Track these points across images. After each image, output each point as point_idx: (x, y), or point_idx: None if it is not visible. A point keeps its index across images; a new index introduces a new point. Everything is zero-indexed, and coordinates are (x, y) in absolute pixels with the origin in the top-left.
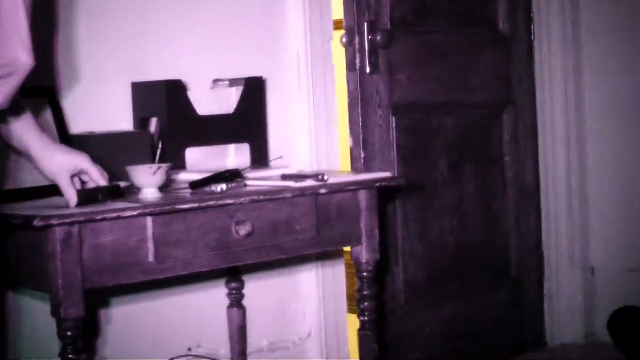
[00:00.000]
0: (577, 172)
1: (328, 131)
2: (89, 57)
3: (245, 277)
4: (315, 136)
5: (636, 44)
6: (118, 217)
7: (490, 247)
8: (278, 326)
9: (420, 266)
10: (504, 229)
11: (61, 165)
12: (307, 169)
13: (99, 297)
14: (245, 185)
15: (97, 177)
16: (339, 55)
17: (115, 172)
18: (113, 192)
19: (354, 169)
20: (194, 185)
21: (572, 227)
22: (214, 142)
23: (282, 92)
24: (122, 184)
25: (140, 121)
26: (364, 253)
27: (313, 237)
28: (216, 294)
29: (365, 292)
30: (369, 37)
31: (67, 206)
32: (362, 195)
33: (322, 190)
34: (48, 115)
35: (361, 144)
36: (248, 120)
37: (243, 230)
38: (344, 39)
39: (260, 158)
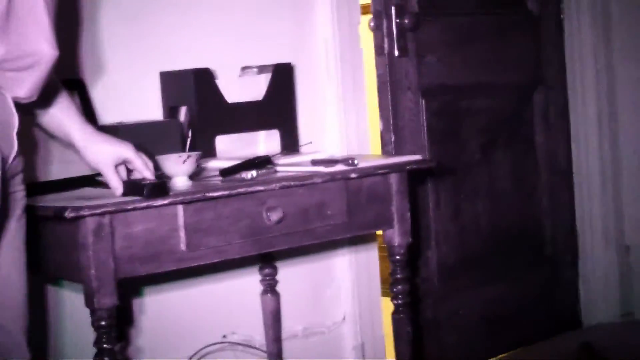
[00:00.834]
0: (609, 151)
1: (358, 116)
2: (117, 48)
3: (278, 264)
4: (345, 121)
5: None
6: (149, 207)
7: (524, 228)
8: (312, 311)
9: (454, 249)
10: (537, 209)
11: (105, 155)
12: (337, 153)
13: (132, 286)
14: (276, 171)
15: (141, 167)
16: (367, 40)
17: None
18: (159, 189)
19: (385, 152)
20: (225, 172)
21: (606, 206)
22: (244, 129)
23: (311, 77)
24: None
25: (170, 110)
26: (396, 237)
27: (344, 221)
28: (250, 281)
29: (398, 276)
30: (397, 20)
31: (104, 196)
32: (393, 178)
33: (353, 175)
34: (77, 106)
35: (391, 128)
36: (277, 107)
37: (274, 216)
38: (371, 24)
39: (290, 144)
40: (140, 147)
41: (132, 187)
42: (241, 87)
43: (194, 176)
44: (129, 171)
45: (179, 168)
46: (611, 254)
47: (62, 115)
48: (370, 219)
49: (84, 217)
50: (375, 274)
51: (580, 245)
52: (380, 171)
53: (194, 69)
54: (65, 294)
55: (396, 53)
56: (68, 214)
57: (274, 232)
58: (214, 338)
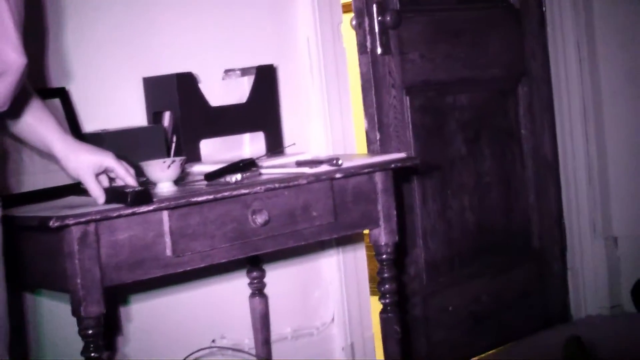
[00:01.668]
0: (595, 143)
1: (342, 115)
2: (98, 55)
3: (266, 266)
4: (329, 121)
5: None
6: (133, 214)
7: (511, 222)
8: (301, 313)
9: (441, 245)
10: (524, 203)
11: (86, 164)
12: (323, 154)
13: (119, 295)
14: (260, 174)
15: (124, 175)
16: (349, 39)
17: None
18: (142, 196)
19: (371, 151)
20: (209, 177)
21: (593, 198)
22: (228, 132)
23: (294, 78)
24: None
25: (154, 116)
26: (383, 236)
27: (331, 222)
28: (238, 285)
29: (385, 275)
30: (379, 18)
31: (88, 205)
32: (378, 177)
33: (337, 175)
34: (61, 115)
35: (376, 126)
36: (261, 109)
37: (260, 219)
38: (353, 22)
39: (275, 146)
40: (120, 156)
41: (116, 194)
42: (224, 90)
43: (179, 181)
44: (112, 180)
45: (163, 174)
46: (599, 246)
47: (40, 126)
48: (357, 219)
49: (68, 225)
50: (364, 273)
51: (568, 238)
52: (365, 170)
53: (176, 74)
54: (44, 302)
55: (379, 51)
56: (53, 223)
57: (260, 235)
58: (203, 343)
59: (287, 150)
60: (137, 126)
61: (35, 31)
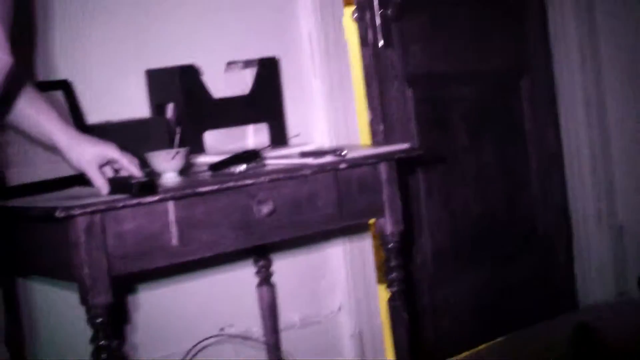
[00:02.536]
0: (598, 133)
1: (345, 107)
2: (102, 47)
3: (272, 256)
4: (333, 112)
5: None
6: (139, 204)
7: (516, 212)
8: (309, 302)
9: (447, 235)
10: (529, 193)
11: (89, 156)
12: (326, 145)
13: (126, 284)
14: (265, 164)
15: (127, 165)
16: (351, 31)
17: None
18: (147, 187)
19: (374, 142)
20: (214, 167)
21: (598, 187)
22: (232, 124)
23: (297, 70)
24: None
25: (157, 108)
26: (388, 225)
27: (335, 212)
28: (245, 274)
29: (392, 264)
30: (380, 11)
31: (94, 195)
32: (382, 168)
33: (342, 166)
34: (64, 107)
35: (380, 118)
36: (264, 101)
37: (265, 209)
38: (355, 15)
39: (279, 137)
40: (124, 147)
41: (121, 185)
42: (227, 83)
43: (184, 172)
44: (116, 172)
45: (168, 164)
46: (605, 234)
47: (41, 118)
48: (362, 209)
49: (74, 216)
50: (370, 262)
51: (574, 227)
52: (369, 161)
53: (179, 66)
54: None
55: (381, 43)
56: (59, 214)
57: (266, 225)
58: (211, 331)
59: (291, 142)
60: (140, 118)
61: (37, 23)
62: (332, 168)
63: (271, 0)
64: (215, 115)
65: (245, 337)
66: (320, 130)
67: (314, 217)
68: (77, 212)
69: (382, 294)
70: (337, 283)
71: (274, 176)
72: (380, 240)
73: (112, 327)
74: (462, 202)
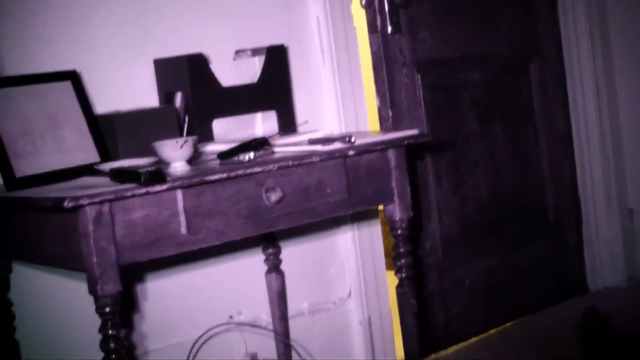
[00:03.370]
0: (608, 117)
1: (354, 93)
2: (109, 38)
3: (281, 243)
4: (342, 99)
5: None
6: (147, 193)
7: (526, 197)
8: (318, 289)
9: (456, 220)
10: (539, 178)
11: None
12: (335, 132)
13: (135, 273)
14: (273, 152)
15: None
16: (360, 18)
17: (144, 148)
18: (155, 176)
19: (383, 129)
20: (223, 156)
21: (608, 170)
22: (240, 112)
23: (305, 58)
24: (149, 160)
25: (166, 96)
26: (397, 211)
27: (344, 198)
28: (254, 262)
29: (401, 250)
30: None
31: (102, 185)
32: (391, 154)
33: (351, 152)
34: (72, 97)
35: (388, 104)
36: (273, 88)
37: (274, 197)
38: (363, 1)
39: (287, 124)
40: (132, 137)
41: (129, 175)
42: (235, 71)
43: (192, 160)
44: None
45: (176, 153)
46: (615, 218)
47: None
48: (370, 195)
49: (83, 206)
50: (379, 248)
51: (583, 211)
52: (378, 147)
53: (187, 55)
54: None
55: (389, 30)
56: (67, 204)
57: (274, 213)
58: (220, 319)
59: (300, 129)
60: (148, 107)
61: (46, 14)
62: (340, 155)
63: None
64: (223, 103)
65: (254, 325)
66: (329, 117)
67: (323, 204)
68: (85, 202)
69: (391, 280)
70: (346, 270)
71: (283, 164)
72: (389, 226)
73: (120, 316)
74: (471, 188)
